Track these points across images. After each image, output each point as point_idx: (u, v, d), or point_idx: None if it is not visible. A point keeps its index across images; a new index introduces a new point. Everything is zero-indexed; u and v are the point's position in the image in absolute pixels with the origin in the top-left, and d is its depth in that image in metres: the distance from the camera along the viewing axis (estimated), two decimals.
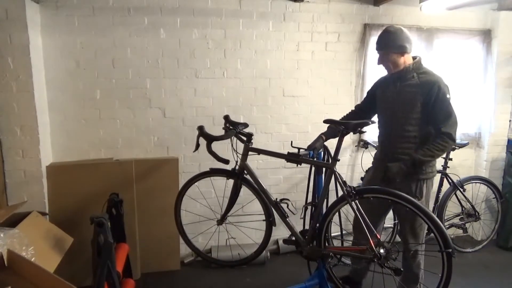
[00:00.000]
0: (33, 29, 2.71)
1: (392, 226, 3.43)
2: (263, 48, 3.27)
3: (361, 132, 2.24)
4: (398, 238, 3.35)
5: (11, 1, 2.58)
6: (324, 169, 2.53)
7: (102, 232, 2.08)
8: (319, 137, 2.52)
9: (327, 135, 2.53)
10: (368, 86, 3.45)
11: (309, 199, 2.84)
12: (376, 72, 3.43)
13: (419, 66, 2.34)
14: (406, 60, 2.32)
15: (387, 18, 3.44)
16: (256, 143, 3.04)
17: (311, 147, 2.45)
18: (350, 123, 2.20)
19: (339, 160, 2.29)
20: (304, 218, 2.77)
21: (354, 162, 3.57)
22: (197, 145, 2.40)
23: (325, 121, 2.34)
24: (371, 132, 3.53)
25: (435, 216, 2.06)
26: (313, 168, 2.71)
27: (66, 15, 2.89)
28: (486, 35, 3.63)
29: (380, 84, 2.54)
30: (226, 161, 2.36)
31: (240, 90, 3.29)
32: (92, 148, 3.09)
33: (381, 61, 2.37)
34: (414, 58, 2.36)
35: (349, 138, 3.53)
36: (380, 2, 3.33)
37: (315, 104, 3.43)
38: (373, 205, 2.29)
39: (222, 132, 2.46)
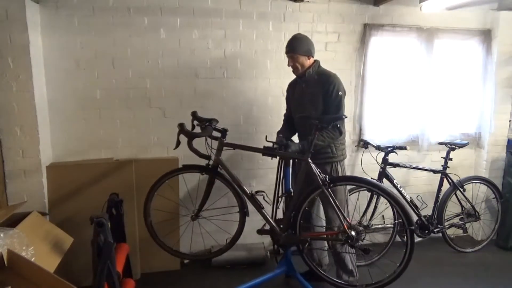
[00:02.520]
0: (33, 29, 2.71)
1: (392, 226, 3.43)
2: (263, 48, 3.27)
3: (335, 126, 2.46)
4: (398, 238, 3.37)
5: (11, 1, 2.58)
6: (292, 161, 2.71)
7: (102, 232, 2.08)
8: (278, 136, 2.76)
9: (284, 134, 2.78)
10: (368, 86, 3.47)
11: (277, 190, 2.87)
12: (376, 72, 3.47)
13: (318, 67, 2.68)
14: (310, 62, 2.66)
15: (387, 18, 3.44)
16: (257, 142, 3.05)
17: (284, 142, 2.60)
18: (326, 118, 2.45)
19: (313, 152, 2.44)
20: (274, 208, 2.78)
21: (354, 162, 3.58)
22: (178, 143, 2.41)
23: (299, 118, 2.58)
24: (372, 132, 3.54)
25: (400, 198, 2.42)
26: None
27: (66, 15, 2.89)
28: (486, 35, 3.63)
29: (290, 89, 2.90)
30: (208, 157, 2.43)
31: (240, 90, 3.29)
32: (92, 148, 3.09)
33: (291, 62, 2.66)
34: (315, 61, 2.70)
35: (349, 138, 3.53)
36: (380, 2, 3.33)
37: None
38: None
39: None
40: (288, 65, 2.69)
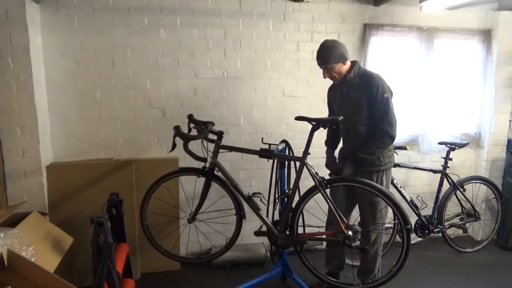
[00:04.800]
0: (33, 29, 2.71)
1: (392, 226, 3.43)
2: (263, 48, 3.27)
3: (332, 127, 2.45)
4: (398, 238, 3.36)
5: (11, 1, 2.58)
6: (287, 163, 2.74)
7: (102, 232, 2.08)
8: (329, 158, 2.74)
9: (331, 145, 2.80)
10: None
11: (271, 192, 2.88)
12: (376, 72, 3.46)
13: (359, 69, 2.50)
14: (347, 67, 2.49)
15: (387, 18, 3.44)
16: (257, 142, 3.05)
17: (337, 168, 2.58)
18: (322, 119, 2.39)
19: (309, 154, 2.42)
20: (269, 209, 2.79)
21: None
22: (174, 145, 2.42)
23: (297, 118, 2.49)
24: None
25: (395, 198, 2.37)
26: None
27: (66, 15, 2.89)
28: (486, 35, 3.63)
29: (330, 94, 2.75)
30: (204, 160, 2.42)
31: (240, 90, 3.29)
32: (92, 148, 3.09)
33: (327, 74, 2.50)
34: (352, 62, 2.51)
35: None
36: (380, 2, 3.33)
37: (315, 104, 3.42)
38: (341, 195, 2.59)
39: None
40: (324, 77, 2.52)
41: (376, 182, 2.49)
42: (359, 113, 2.46)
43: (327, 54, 2.42)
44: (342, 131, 2.69)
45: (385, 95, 2.39)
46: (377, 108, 2.39)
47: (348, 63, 2.49)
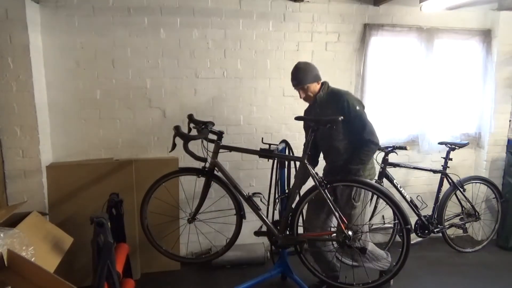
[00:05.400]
0: (33, 29, 2.71)
1: (392, 226, 3.43)
2: (263, 48, 3.27)
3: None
4: (398, 238, 3.36)
5: (11, 1, 2.58)
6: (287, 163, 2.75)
7: (102, 232, 2.08)
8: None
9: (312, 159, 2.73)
10: (368, 86, 3.47)
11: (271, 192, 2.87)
12: (376, 72, 3.47)
13: (327, 88, 2.58)
14: (319, 86, 2.56)
15: (387, 18, 3.44)
16: (257, 142, 3.05)
17: None
18: (322, 119, 2.37)
19: (309, 154, 2.42)
20: (269, 209, 2.78)
21: None
22: (174, 145, 2.42)
23: (297, 118, 2.52)
24: None
25: (395, 197, 2.40)
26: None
27: (66, 15, 2.89)
28: (486, 35, 3.63)
29: (305, 114, 2.75)
30: (204, 160, 2.42)
31: (240, 90, 3.29)
32: (92, 148, 3.09)
33: (303, 94, 2.55)
34: (322, 83, 2.59)
35: None
36: (380, 2, 3.33)
37: None
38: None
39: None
40: (301, 97, 2.58)
41: (354, 196, 2.50)
42: (336, 130, 2.48)
43: (303, 74, 2.50)
44: (322, 151, 2.72)
45: (357, 109, 2.44)
46: (353, 123, 2.44)
47: (320, 83, 2.57)
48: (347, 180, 2.47)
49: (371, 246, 2.65)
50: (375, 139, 2.45)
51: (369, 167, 2.58)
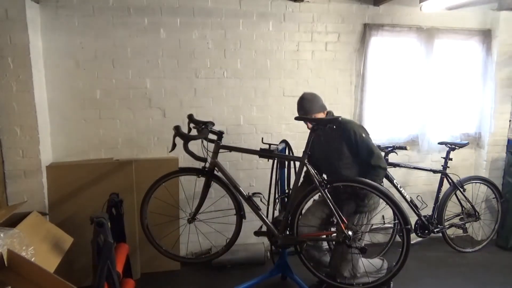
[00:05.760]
0: (33, 29, 2.71)
1: (392, 226, 3.43)
2: (263, 48, 3.27)
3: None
4: (398, 238, 3.36)
5: (11, 1, 2.58)
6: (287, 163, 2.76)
7: (102, 232, 2.08)
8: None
9: None
10: (368, 86, 3.47)
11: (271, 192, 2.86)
12: (376, 72, 3.47)
13: (333, 118, 2.58)
14: (324, 115, 2.61)
15: (387, 18, 3.44)
16: (257, 142, 3.05)
17: None
18: (322, 119, 2.42)
19: (309, 154, 2.42)
20: (269, 209, 2.77)
21: None
22: (174, 145, 2.42)
23: (297, 118, 2.52)
24: (372, 132, 3.53)
25: (394, 197, 2.39)
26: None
27: (66, 15, 2.89)
28: (486, 35, 3.63)
29: (312, 143, 2.69)
30: (204, 160, 2.42)
31: (240, 90, 3.29)
32: (92, 148, 3.09)
33: (310, 124, 2.54)
34: (326, 112, 2.64)
35: None
36: (380, 2, 3.33)
37: None
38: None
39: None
40: (308, 128, 2.55)
41: (357, 223, 2.54)
42: (341, 158, 2.55)
43: (310, 105, 2.56)
44: (322, 168, 2.69)
45: (363, 136, 2.51)
46: (360, 150, 2.50)
47: (325, 113, 2.63)
48: (347, 180, 2.48)
49: (360, 263, 2.61)
50: (383, 164, 2.51)
51: (374, 195, 2.58)
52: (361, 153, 2.51)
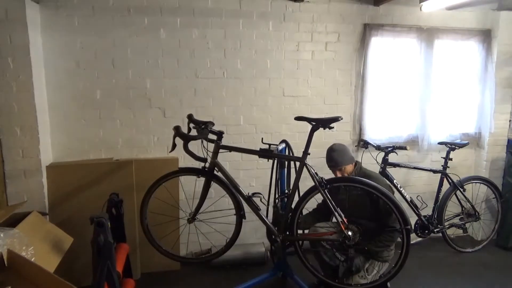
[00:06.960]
0: (33, 29, 2.71)
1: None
2: (263, 48, 3.27)
3: (330, 128, 2.41)
4: (398, 238, 3.36)
5: (11, 1, 2.58)
6: (287, 163, 2.75)
7: (102, 232, 2.07)
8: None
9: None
10: (368, 86, 3.47)
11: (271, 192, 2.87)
12: (376, 72, 3.47)
13: (360, 169, 2.72)
14: (353, 166, 2.70)
15: (387, 18, 3.44)
16: (257, 142, 3.05)
17: None
18: (322, 119, 2.39)
19: (309, 154, 2.42)
20: (269, 209, 2.77)
21: None
22: (174, 145, 2.41)
23: (296, 118, 2.51)
24: (372, 132, 3.54)
25: (396, 199, 2.38)
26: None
27: (66, 15, 2.89)
28: (486, 35, 3.63)
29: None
30: (204, 160, 2.42)
31: (240, 90, 3.29)
32: (92, 148, 3.09)
33: (340, 174, 2.66)
34: (355, 163, 2.72)
35: (349, 138, 3.54)
36: (380, 2, 3.33)
37: (315, 104, 3.43)
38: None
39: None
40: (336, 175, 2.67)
41: (367, 269, 2.61)
42: (361, 210, 2.57)
43: (341, 157, 2.65)
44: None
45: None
46: (381, 208, 2.52)
47: (354, 164, 2.71)
48: (347, 180, 2.49)
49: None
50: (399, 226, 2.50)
51: (390, 249, 2.68)
52: (381, 210, 2.54)
